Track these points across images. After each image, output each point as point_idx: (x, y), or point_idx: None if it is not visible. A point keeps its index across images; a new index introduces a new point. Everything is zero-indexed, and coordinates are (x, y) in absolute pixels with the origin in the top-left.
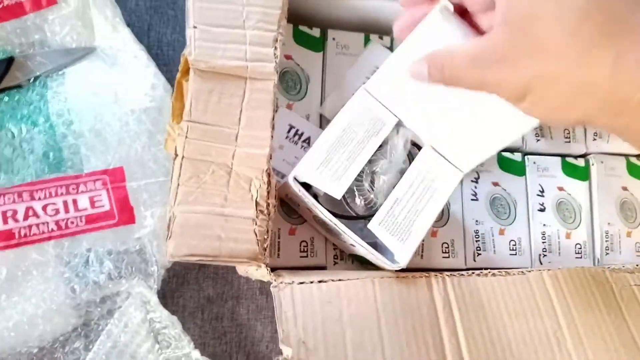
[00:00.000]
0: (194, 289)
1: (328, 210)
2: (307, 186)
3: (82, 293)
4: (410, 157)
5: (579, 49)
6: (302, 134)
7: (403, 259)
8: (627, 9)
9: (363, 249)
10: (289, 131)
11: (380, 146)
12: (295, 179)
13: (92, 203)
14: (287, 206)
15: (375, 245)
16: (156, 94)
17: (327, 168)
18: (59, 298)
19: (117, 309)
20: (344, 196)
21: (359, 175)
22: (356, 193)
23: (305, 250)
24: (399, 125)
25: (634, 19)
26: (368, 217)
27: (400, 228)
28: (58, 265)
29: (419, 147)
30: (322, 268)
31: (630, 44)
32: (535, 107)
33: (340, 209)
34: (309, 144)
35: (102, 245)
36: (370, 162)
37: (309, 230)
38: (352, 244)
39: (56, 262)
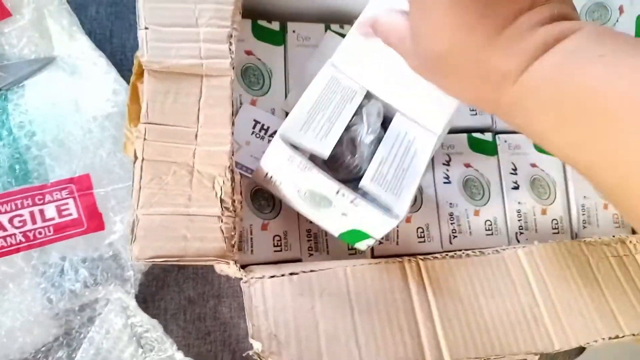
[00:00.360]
0: (174, 291)
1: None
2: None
3: (59, 302)
4: (384, 127)
5: (462, 24)
6: (268, 128)
7: (402, 210)
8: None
9: (358, 212)
10: (254, 127)
11: (355, 113)
12: (282, 139)
13: (60, 212)
14: (257, 202)
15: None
16: (118, 99)
17: (310, 129)
18: (36, 309)
19: (97, 316)
20: (327, 164)
21: (339, 142)
22: (338, 160)
23: (279, 244)
24: (369, 95)
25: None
26: (354, 180)
27: (391, 184)
28: (34, 276)
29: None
30: (297, 261)
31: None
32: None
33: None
34: None
35: (72, 253)
36: (347, 129)
37: (282, 224)
38: (343, 213)
39: (32, 274)
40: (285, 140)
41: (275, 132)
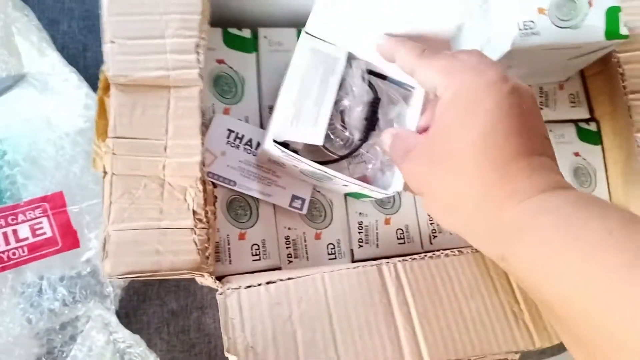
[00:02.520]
0: (156, 304)
1: (313, 161)
2: (285, 144)
3: (39, 322)
4: (372, 87)
5: (467, 165)
6: (242, 136)
7: (396, 187)
8: (520, 151)
9: (355, 186)
10: (228, 136)
11: (340, 84)
12: (274, 141)
13: (33, 232)
14: (234, 211)
15: (365, 179)
16: (90, 114)
17: (299, 121)
18: (16, 330)
19: (79, 333)
20: (324, 145)
21: (330, 120)
22: (331, 136)
23: (258, 253)
24: (350, 58)
25: (513, 164)
26: (350, 154)
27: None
28: (12, 297)
29: (377, 74)
30: (277, 269)
31: (502, 179)
32: (426, 205)
33: (321, 154)
34: (251, 145)
35: (49, 273)
36: (335, 102)
37: (260, 232)
38: (344, 184)
39: (10, 294)
40: (277, 138)
41: (250, 141)
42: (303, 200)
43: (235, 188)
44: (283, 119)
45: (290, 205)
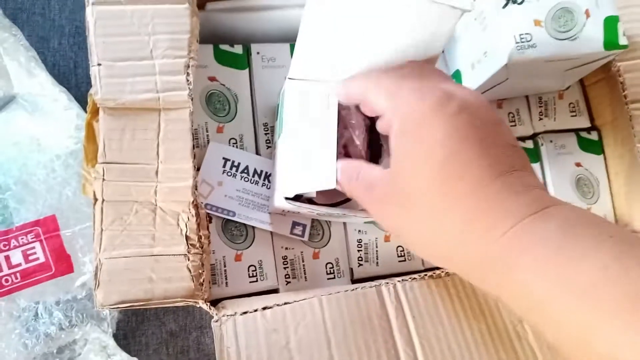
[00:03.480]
0: (155, 325)
1: (328, 205)
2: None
3: (35, 347)
4: None
5: (434, 205)
6: (239, 164)
7: None
8: (484, 175)
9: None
10: (224, 165)
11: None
12: (286, 198)
13: (26, 257)
14: (229, 232)
15: None
16: (81, 135)
17: (307, 169)
18: (12, 356)
19: (76, 357)
20: None
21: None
22: None
23: (255, 274)
24: None
25: (481, 193)
26: None
27: None
28: (7, 322)
29: None
30: (274, 291)
31: (476, 211)
32: (405, 245)
33: (334, 193)
34: (248, 173)
35: (43, 298)
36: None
37: (256, 253)
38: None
39: (5, 319)
40: (288, 194)
41: (247, 168)
42: (304, 226)
43: (234, 219)
44: (290, 172)
45: (291, 233)
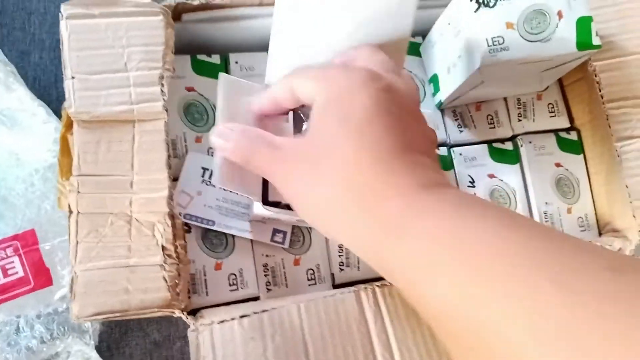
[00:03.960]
0: (138, 336)
1: None
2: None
3: None
4: None
5: (341, 168)
6: None
7: None
8: (394, 148)
9: None
10: (203, 174)
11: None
12: (264, 204)
13: (5, 272)
14: (209, 241)
15: None
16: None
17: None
18: None
19: None
20: None
21: None
22: None
23: (235, 282)
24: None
25: (394, 159)
26: None
27: None
28: None
29: None
30: (255, 299)
31: (377, 179)
32: (302, 212)
33: None
34: None
35: (22, 312)
36: None
37: (236, 261)
38: None
39: None
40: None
41: None
42: (284, 233)
43: (214, 228)
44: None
45: (271, 240)
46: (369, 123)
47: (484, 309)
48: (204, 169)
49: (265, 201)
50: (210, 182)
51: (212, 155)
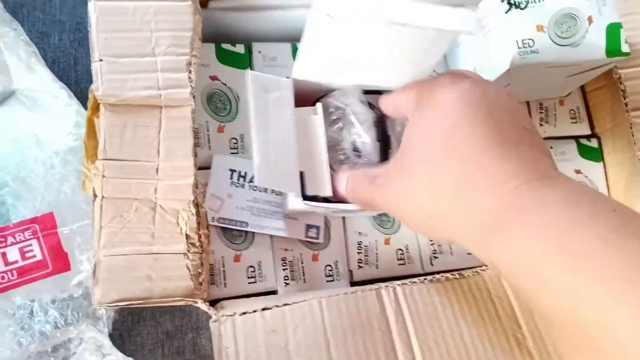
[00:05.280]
0: (151, 325)
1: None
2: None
3: (30, 345)
4: (372, 106)
5: (437, 167)
6: (245, 174)
7: None
8: (491, 140)
9: None
10: (231, 176)
11: (338, 119)
12: (304, 199)
13: (23, 254)
14: (229, 232)
15: None
16: (81, 132)
17: (306, 187)
18: (5, 354)
19: (71, 356)
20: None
21: (341, 154)
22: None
23: (253, 275)
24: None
25: (494, 150)
26: None
27: None
28: (2, 319)
29: (372, 92)
30: (273, 292)
31: (478, 171)
32: (405, 221)
33: None
34: None
35: (38, 296)
36: (343, 136)
37: (255, 254)
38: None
39: (1, 317)
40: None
41: (254, 176)
42: (318, 228)
43: (248, 229)
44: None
45: (306, 236)
46: (461, 119)
47: (591, 307)
48: (232, 171)
49: (304, 196)
50: (239, 183)
51: (234, 146)
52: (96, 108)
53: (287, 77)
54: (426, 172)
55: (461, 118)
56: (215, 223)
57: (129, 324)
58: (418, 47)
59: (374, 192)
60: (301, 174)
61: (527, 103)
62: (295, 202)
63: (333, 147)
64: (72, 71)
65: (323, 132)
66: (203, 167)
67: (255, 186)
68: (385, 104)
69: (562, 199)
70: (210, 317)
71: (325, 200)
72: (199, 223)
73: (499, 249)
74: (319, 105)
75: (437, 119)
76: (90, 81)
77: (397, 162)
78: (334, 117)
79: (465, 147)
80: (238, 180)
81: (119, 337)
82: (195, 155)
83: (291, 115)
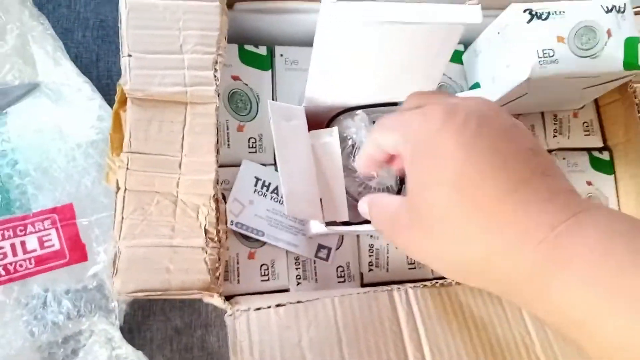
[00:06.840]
0: (160, 320)
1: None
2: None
3: (42, 335)
4: None
5: (455, 228)
6: (269, 184)
7: None
8: (503, 185)
9: None
10: (256, 184)
11: (347, 145)
12: (327, 224)
13: (42, 243)
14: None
15: None
16: (103, 126)
17: (325, 212)
18: (18, 342)
19: (81, 347)
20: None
21: (355, 176)
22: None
23: (267, 273)
24: (351, 115)
25: (510, 197)
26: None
27: None
28: (15, 309)
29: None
30: (285, 291)
31: (500, 223)
32: (437, 270)
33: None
34: (277, 193)
35: (54, 285)
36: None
37: (269, 252)
38: None
39: (13, 306)
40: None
41: (277, 189)
42: (329, 249)
43: (263, 239)
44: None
45: (315, 256)
46: (464, 166)
47: None
48: (257, 179)
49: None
50: (262, 192)
51: (252, 146)
52: (123, 102)
53: (300, 105)
54: (449, 236)
55: (465, 168)
56: (234, 227)
57: (139, 319)
58: (430, 44)
59: (395, 237)
60: (321, 202)
61: (542, 114)
62: (318, 227)
63: (345, 169)
64: (94, 67)
65: (339, 157)
66: (221, 165)
67: (276, 198)
68: (363, 163)
69: (601, 240)
70: (220, 314)
71: (345, 222)
72: (218, 218)
73: (540, 304)
74: (335, 129)
75: (442, 174)
76: (111, 78)
77: (412, 214)
78: (343, 145)
79: (479, 198)
80: (262, 189)
81: (128, 331)
82: (218, 151)
83: (308, 142)
